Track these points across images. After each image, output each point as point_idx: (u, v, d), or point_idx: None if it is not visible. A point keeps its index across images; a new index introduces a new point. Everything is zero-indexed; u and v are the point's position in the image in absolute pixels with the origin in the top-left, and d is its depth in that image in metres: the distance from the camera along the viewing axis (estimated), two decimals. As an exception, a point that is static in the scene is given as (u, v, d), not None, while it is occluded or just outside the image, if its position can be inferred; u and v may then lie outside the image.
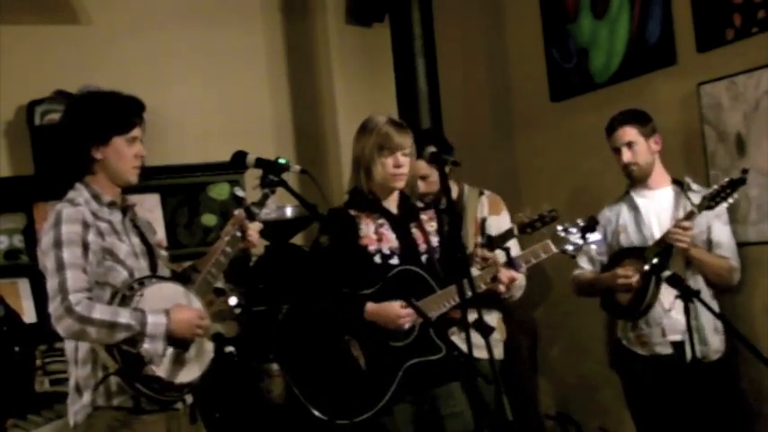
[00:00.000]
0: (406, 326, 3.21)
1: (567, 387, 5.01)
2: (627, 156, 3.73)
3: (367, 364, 3.23)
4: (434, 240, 3.39)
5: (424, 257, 3.34)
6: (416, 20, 4.83)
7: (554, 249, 3.32)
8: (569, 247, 3.33)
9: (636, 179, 3.80)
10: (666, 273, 3.35)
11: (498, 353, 3.90)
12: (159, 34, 5.11)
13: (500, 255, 3.37)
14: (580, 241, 3.32)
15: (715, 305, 3.62)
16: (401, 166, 3.30)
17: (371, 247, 3.30)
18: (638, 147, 3.73)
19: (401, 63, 4.89)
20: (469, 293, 2.93)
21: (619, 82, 4.46)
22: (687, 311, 3.24)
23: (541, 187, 4.95)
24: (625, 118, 3.76)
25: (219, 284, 3.32)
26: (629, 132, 3.73)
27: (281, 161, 2.98)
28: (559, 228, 3.33)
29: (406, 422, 3.26)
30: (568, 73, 4.77)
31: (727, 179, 3.48)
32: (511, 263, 3.28)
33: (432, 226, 3.42)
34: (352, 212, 3.36)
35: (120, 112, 2.86)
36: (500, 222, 3.87)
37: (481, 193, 4.05)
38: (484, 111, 5.40)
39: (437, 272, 3.30)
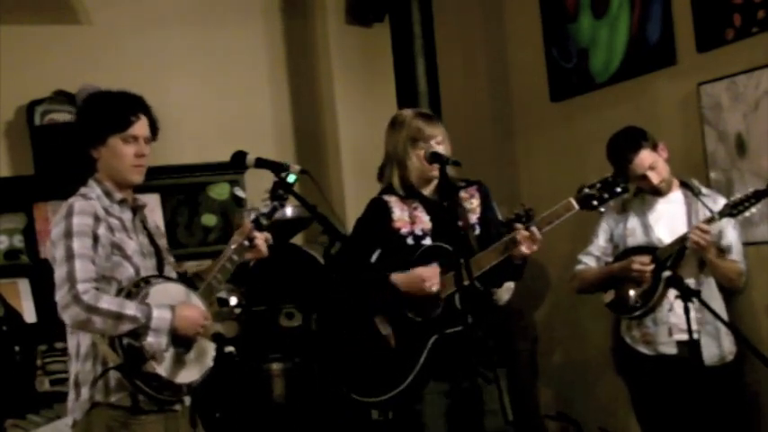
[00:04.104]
0: (434, 288, 3.15)
1: (567, 387, 5.02)
2: (655, 178, 3.70)
3: (396, 340, 3.23)
4: (473, 218, 3.34)
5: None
6: (416, 20, 4.83)
7: (576, 207, 3.19)
8: (594, 203, 3.19)
9: (664, 191, 3.78)
10: (666, 273, 3.35)
11: None
12: (159, 34, 5.11)
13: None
14: (606, 195, 3.19)
15: (724, 311, 3.63)
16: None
17: (404, 230, 3.30)
18: (659, 165, 3.71)
19: (401, 63, 4.89)
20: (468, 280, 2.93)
21: (619, 82, 4.46)
22: (687, 311, 3.25)
23: (541, 187, 4.94)
24: (633, 144, 3.69)
25: (224, 294, 3.32)
26: (646, 156, 3.68)
27: (291, 178, 2.95)
28: (584, 184, 3.22)
29: (437, 415, 3.22)
30: (568, 73, 4.77)
31: (752, 189, 3.49)
32: (531, 221, 3.17)
33: (471, 203, 3.37)
34: (386, 198, 3.36)
35: (116, 112, 2.84)
36: None
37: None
38: (484, 110, 5.40)
39: (473, 249, 3.22)
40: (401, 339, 3.24)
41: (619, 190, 3.20)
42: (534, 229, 3.14)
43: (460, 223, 3.24)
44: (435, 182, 3.34)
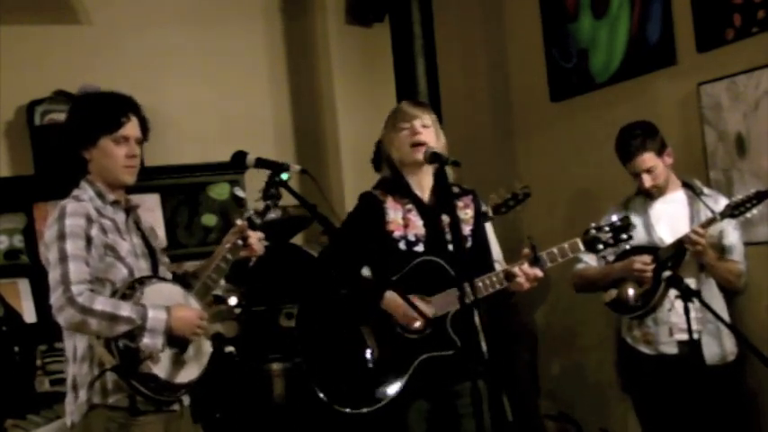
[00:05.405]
0: (416, 325, 3.13)
1: (567, 387, 5.02)
2: (648, 181, 3.71)
3: (380, 354, 3.18)
4: (466, 229, 3.26)
5: (451, 247, 3.16)
6: (416, 20, 4.83)
7: (582, 248, 3.18)
8: (600, 246, 3.20)
9: (656, 196, 3.78)
10: (666, 273, 3.34)
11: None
12: (159, 34, 5.12)
13: None
14: (611, 241, 3.19)
15: (725, 311, 3.64)
16: (418, 134, 3.18)
17: (397, 234, 3.21)
18: (656, 170, 3.70)
19: (401, 63, 4.89)
20: (472, 297, 2.86)
21: (619, 82, 4.47)
22: (687, 311, 3.25)
23: (541, 187, 4.94)
24: (641, 144, 3.68)
25: (219, 291, 3.32)
26: (648, 159, 3.68)
27: (284, 176, 2.94)
28: (592, 225, 3.21)
29: (419, 419, 3.18)
30: (568, 73, 4.77)
31: (754, 190, 3.49)
32: (536, 260, 3.13)
33: (466, 213, 3.30)
34: (380, 196, 3.27)
35: (106, 113, 2.84)
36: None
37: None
38: (484, 110, 5.40)
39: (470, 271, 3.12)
40: (387, 353, 3.18)
41: (625, 237, 3.20)
42: (538, 271, 3.12)
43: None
44: (430, 181, 3.28)
